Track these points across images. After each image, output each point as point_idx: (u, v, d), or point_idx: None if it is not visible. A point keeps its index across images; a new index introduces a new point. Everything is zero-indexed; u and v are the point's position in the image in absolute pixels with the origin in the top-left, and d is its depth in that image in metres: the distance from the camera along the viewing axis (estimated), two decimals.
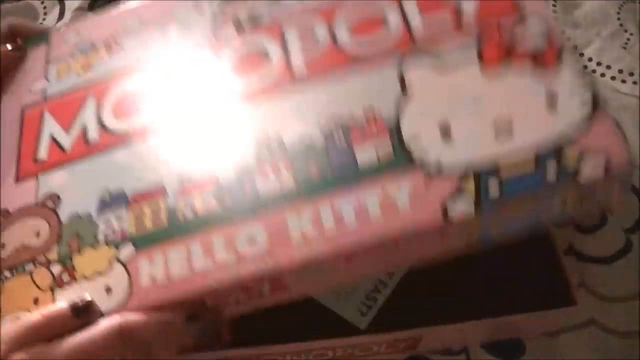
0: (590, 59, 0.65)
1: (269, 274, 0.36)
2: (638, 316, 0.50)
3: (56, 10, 0.71)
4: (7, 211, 0.42)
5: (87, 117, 0.44)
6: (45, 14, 0.71)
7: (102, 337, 0.35)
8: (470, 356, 0.50)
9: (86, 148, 0.43)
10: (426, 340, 0.48)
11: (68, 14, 0.70)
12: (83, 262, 0.39)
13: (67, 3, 0.71)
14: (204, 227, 0.38)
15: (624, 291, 0.51)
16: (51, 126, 0.45)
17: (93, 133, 0.43)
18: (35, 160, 0.43)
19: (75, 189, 0.41)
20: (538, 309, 0.47)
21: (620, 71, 0.64)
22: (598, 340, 0.50)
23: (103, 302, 0.37)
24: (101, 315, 0.37)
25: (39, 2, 0.72)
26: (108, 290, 0.37)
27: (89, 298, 0.37)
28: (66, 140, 0.44)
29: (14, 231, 0.41)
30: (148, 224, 0.39)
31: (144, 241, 0.38)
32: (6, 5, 0.71)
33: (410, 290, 0.48)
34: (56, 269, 0.39)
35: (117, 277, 0.38)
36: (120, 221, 0.39)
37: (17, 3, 0.72)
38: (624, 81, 0.63)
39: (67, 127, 0.44)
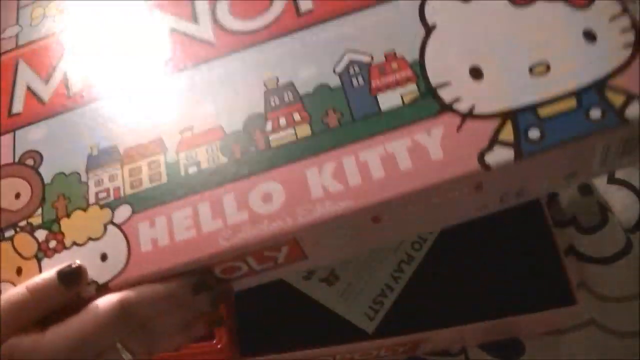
0: None
1: (289, 236, 0.32)
2: (638, 316, 0.50)
3: None
4: None
5: (69, 65, 0.39)
6: None
7: (101, 319, 0.31)
8: (469, 357, 0.50)
9: (68, 99, 0.38)
10: (426, 343, 0.48)
11: None
12: (73, 226, 0.34)
13: None
14: (210, 184, 0.33)
15: (624, 291, 0.51)
16: (27, 76, 0.40)
17: (76, 82, 0.38)
18: (11, 114, 0.39)
19: (58, 144, 0.37)
20: (538, 309, 0.47)
21: None
22: (598, 340, 0.50)
23: (98, 271, 0.33)
24: (97, 286, 0.33)
25: None
26: (104, 257, 0.33)
27: (78, 263, 0.33)
28: (45, 91, 0.39)
29: None
30: (145, 181, 0.34)
31: (142, 201, 0.34)
32: None
33: (415, 293, 0.48)
34: (41, 234, 0.35)
35: (114, 243, 0.33)
36: (113, 179, 0.35)
37: None
38: None
39: (45, 77, 0.39)
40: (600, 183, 0.56)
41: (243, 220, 0.32)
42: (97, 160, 0.36)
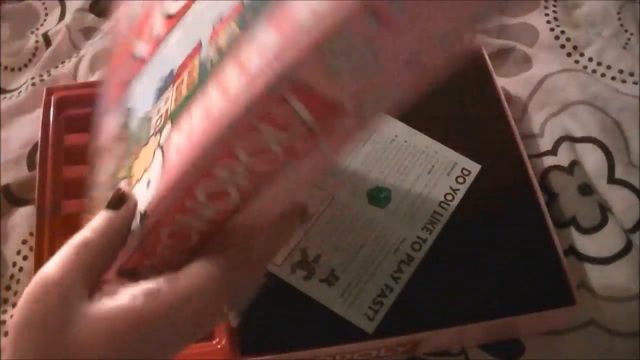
0: (590, 59, 0.65)
1: (285, 85, 0.26)
2: (638, 316, 0.50)
3: (57, 11, 0.71)
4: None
5: (157, 16, 0.39)
6: (46, 14, 0.71)
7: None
8: (469, 357, 0.50)
9: (154, 45, 0.38)
10: (425, 344, 0.48)
11: (69, 15, 0.70)
12: (138, 164, 0.33)
13: (67, 4, 0.71)
14: (221, 63, 0.30)
15: (624, 291, 0.51)
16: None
17: (158, 26, 0.38)
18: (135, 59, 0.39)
19: (147, 87, 0.36)
20: (538, 309, 0.47)
21: (621, 71, 0.64)
22: (598, 340, 0.50)
23: (144, 199, 0.31)
24: (140, 216, 0.32)
25: (40, 2, 0.72)
26: (148, 183, 0.31)
27: (118, 187, 0.33)
28: (142, 49, 0.38)
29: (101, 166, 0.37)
30: (184, 90, 0.32)
31: (178, 112, 0.32)
32: (7, 6, 0.71)
33: (415, 294, 0.48)
34: (123, 185, 0.34)
35: (156, 165, 0.31)
36: (166, 102, 0.33)
37: (18, 4, 0.72)
38: (624, 81, 0.63)
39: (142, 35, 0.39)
40: (600, 183, 0.56)
41: (241, 87, 0.28)
42: (160, 90, 0.34)
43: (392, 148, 0.55)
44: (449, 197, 0.52)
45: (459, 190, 0.52)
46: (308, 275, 0.48)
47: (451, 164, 0.54)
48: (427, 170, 0.54)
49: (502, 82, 0.63)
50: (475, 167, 0.54)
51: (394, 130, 0.56)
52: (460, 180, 0.53)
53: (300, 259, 0.49)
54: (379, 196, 0.52)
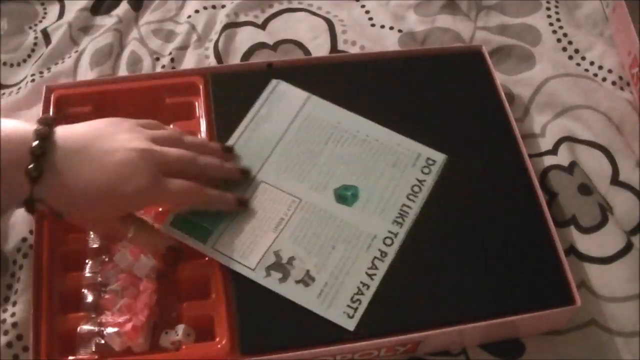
0: (592, 63, 0.64)
1: None
2: (638, 316, 0.50)
3: (56, 9, 0.71)
4: None
5: None
6: (45, 12, 0.71)
7: None
8: (469, 357, 0.50)
9: None
10: (426, 343, 0.48)
11: (69, 15, 0.70)
12: None
13: (66, 3, 0.71)
14: None
15: (624, 291, 0.51)
16: None
17: None
18: None
19: None
20: (538, 308, 0.47)
21: (621, 78, 0.63)
22: (598, 340, 0.50)
23: None
24: None
25: (39, 2, 0.72)
26: None
27: None
28: None
29: None
30: None
31: None
32: (6, 3, 0.71)
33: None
34: None
35: None
36: None
37: (17, 3, 0.72)
38: (622, 89, 0.63)
39: None
40: (602, 185, 0.56)
41: None
42: None
43: (355, 144, 0.54)
44: (416, 189, 0.52)
45: (425, 181, 0.52)
46: (283, 277, 0.48)
47: (415, 155, 0.54)
48: (392, 164, 0.53)
49: (503, 81, 0.63)
50: (439, 157, 0.54)
51: (355, 125, 0.55)
52: (426, 170, 0.53)
53: (274, 262, 0.49)
54: (346, 194, 0.52)
